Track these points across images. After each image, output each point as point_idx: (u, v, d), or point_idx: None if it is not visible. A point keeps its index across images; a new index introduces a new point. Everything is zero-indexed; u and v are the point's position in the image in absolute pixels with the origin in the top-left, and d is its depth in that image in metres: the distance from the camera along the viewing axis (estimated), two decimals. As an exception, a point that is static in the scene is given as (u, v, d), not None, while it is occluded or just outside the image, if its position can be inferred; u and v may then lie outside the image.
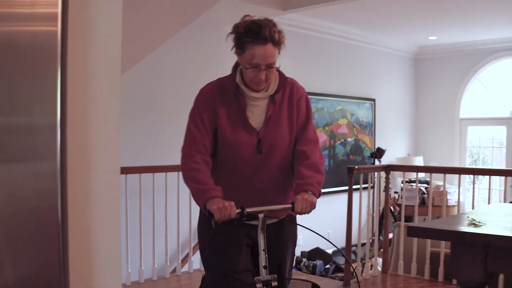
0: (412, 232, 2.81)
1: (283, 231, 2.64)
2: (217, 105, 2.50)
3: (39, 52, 1.84)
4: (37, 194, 1.87)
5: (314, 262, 7.07)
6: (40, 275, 1.85)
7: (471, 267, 2.54)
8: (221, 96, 2.51)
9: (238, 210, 2.28)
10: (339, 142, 8.21)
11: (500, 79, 9.08)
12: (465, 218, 2.85)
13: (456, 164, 9.05)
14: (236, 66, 2.57)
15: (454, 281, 4.73)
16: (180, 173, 2.64)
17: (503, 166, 9.14)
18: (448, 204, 7.76)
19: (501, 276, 4.49)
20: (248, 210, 2.31)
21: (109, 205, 2.22)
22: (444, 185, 5.03)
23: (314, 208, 2.39)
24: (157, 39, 5.31)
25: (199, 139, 2.45)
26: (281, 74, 2.57)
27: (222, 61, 4.42)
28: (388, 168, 5.46)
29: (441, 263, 4.88)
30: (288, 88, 2.58)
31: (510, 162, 9.03)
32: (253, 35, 2.36)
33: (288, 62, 6.59)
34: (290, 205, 2.37)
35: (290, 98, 2.57)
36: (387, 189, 5.54)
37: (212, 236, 2.48)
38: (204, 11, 5.36)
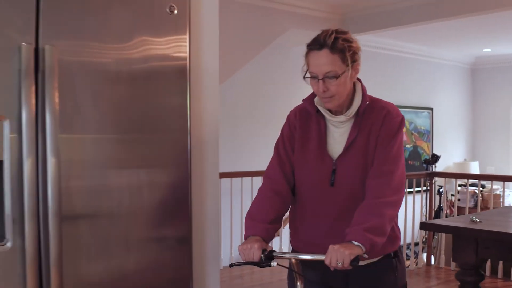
0: (423, 226, 3.85)
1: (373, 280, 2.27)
2: (298, 130, 2.30)
3: (176, 80, 2.30)
4: (173, 194, 2.34)
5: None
6: (173, 254, 2.36)
7: (466, 254, 3.53)
8: (305, 120, 2.30)
9: (265, 253, 2.08)
10: (397, 148, 9.13)
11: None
12: (468, 218, 3.80)
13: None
14: None
15: (487, 272, 5.70)
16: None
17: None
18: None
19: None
20: (275, 254, 2.10)
21: (212, 202, 2.58)
22: (491, 188, 5.93)
23: (356, 262, 1.97)
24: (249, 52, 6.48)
25: (277, 166, 2.29)
26: (364, 94, 2.25)
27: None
28: (433, 175, 6.41)
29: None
30: (376, 111, 2.24)
31: None
32: (311, 42, 2.14)
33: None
34: (322, 257, 2.02)
35: (375, 123, 2.22)
36: (430, 193, 6.49)
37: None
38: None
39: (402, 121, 2.24)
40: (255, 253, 2.06)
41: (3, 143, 1.79)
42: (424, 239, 6.84)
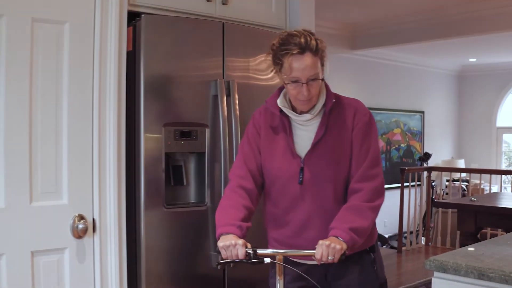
0: (436, 204, 5.20)
1: (352, 278, 2.29)
2: (263, 128, 2.32)
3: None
4: None
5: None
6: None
7: (467, 223, 4.84)
8: (269, 119, 2.32)
9: (250, 250, 2.03)
10: (394, 147, 10.42)
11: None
12: (468, 199, 5.15)
13: (493, 166, 11.13)
14: (281, 88, 2.33)
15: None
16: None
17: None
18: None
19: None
20: (260, 251, 2.05)
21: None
22: (480, 183, 7.27)
23: (343, 256, 2.03)
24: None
25: (243, 164, 2.30)
26: (328, 92, 2.26)
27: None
28: (430, 169, 7.71)
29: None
30: (345, 109, 2.26)
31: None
32: (288, 45, 2.10)
33: (356, 87, 8.93)
34: (313, 252, 2.04)
35: (345, 122, 2.24)
36: (428, 184, 7.78)
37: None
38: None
39: (371, 117, 2.28)
40: (240, 250, 2.02)
41: (205, 141, 2.94)
42: (423, 224, 8.14)
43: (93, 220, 2.62)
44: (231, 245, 2.03)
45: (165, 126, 2.77)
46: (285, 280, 2.10)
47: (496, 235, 6.95)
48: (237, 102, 2.96)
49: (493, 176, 8.84)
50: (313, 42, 2.12)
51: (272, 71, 2.25)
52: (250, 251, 2.03)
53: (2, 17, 2.36)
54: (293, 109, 2.28)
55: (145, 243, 2.72)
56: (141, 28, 2.70)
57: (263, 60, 3.10)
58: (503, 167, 11.53)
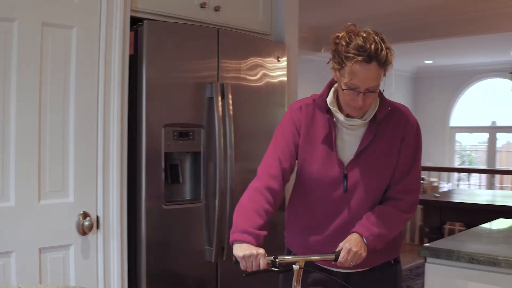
0: None
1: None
2: (304, 126, 2.15)
3: (276, 94, 3.44)
4: None
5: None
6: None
7: (433, 218, 5.12)
8: (310, 117, 2.15)
9: (270, 258, 1.93)
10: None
11: (483, 95, 11.61)
12: (432, 195, 5.44)
13: (446, 164, 11.57)
14: (331, 84, 2.18)
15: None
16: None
17: (485, 166, 11.71)
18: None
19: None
20: (281, 258, 1.95)
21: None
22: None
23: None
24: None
25: (277, 162, 2.11)
26: (382, 98, 2.12)
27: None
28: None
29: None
30: (395, 117, 2.13)
31: (491, 163, 11.58)
32: (356, 48, 1.94)
33: (319, 88, 9.14)
34: (333, 256, 2.00)
35: (395, 131, 2.12)
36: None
37: None
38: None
39: (419, 127, 2.19)
40: (262, 261, 1.91)
41: (201, 141, 3.07)
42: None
43: (97, 217, 2.73)
44: (252, 256, 1.91)
45: (165, 127, 2.90)
46: (303, 286, 1.99)
47: (454, 230, 7.32)
48: (231, 103, 3.11)
49: (446, 173, 9.24)
50: (383, 53, 1.96)
51: (328, 63, 2.11)
52: (271, 258, 1.94)
53: (14, 21, 2.45)
54: (339, 109, 2.14)
55: (145, 239, 2.84)
56: (143, 33, 2.81)
57: (253, 63, 3.30)
58: (456, 165, 11.99)
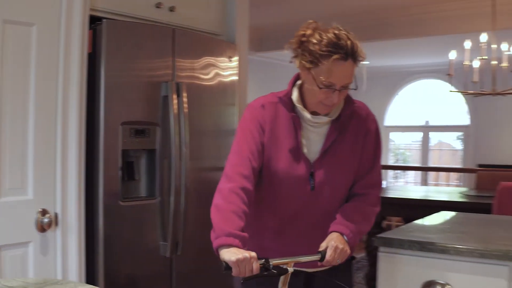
0: None
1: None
2: (268, 124, 2.10)
3: (227, 93, 3.55)
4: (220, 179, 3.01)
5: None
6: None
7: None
8: (274, 114, 2.11)
9: (261, 262, 1.86)
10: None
11: (417, 95, 12.05)
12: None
13: (382, 162, 11.91)
14: (294, 81, 2.16)
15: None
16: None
17: (418, 164, 12.15)
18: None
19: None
20: (274, 261, 1.88)
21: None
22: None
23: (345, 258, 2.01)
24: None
25: (248, 161, 2.05)
26: (347, 96, 2.11)
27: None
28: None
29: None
30: (356, 114, 2.16)
31: (424, 161, 12.03)
32: (332, 46, 1.93)
33: (257, 87, 9.28)
34: (319, 255, 1.98)
35: (358, 128, 2.15)
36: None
37: None
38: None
39: (377, 122, 2.24)
40: (255, 264, 1.84)
41: (155, 139, 3.14)
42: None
43: (56, 214, 2.75)
44: (245, 260, 1.82)
45: (122, 124, 2.95)
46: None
47: (391, 226, 7.60)
48: (185, 101, 3.19)
49: (382, 171, 9.53)
50: (359, 49, 1.98)
51: (291, 61, 2.10)
52: (261, 261, 1.87)
53: (-25, 18, 2.46)
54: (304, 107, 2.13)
55: (103, 235, 2.89)
56: (102, 31, 2.85)
57: (206, 63, 3.40)
58: (390, 163, 12.40)
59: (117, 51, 2.92)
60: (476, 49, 5.91)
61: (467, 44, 5.84)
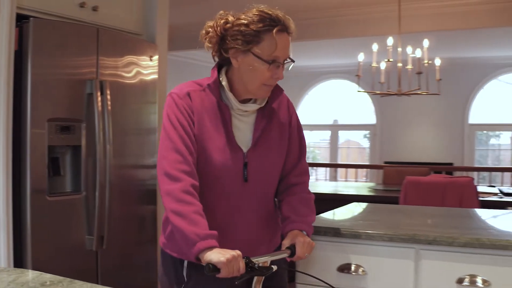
0: None
1: (280, 280, 2.15)
2: (196, 114, 1.97)
3: (149, 91, 3.68)
4: (141, 176, 3.64)
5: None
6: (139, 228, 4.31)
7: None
8: (200, 103, 1.99)
9: (245, 261, 1.76)
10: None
11: (325, 95, 12.50)
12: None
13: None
14: (217, 68, 2.05)
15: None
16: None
17: (327, 162, 12.61)
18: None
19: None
20: (255, 260, 1.80)
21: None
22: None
23: None
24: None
25: (187, 156, 1.91)
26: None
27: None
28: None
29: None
30: (280, 102, 2.11)
31: (333, 158, 12.50)
32: (269, 20, 1.88)
33: (171, 87, 9.38)
34: (289, 251, 1.96)
35: (284, 115, 2.11)
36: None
37: None
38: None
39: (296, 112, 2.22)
40: (241, 263, 1.75)
41: (80, 135, 3.23)
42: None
43: (-17, 210, 2.80)
44: (233, 259, 1.73)
45: (48, 121, 3.02)
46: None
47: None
48: (109, 99, 3.29)
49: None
50: (291, 23, 1.94)
51: (212, 55, 2.05)
52: (246, 260, 1.77)
53: None
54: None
55: (30, 230, 2.95)
56: (29, 29, 2.92)
57: (128, 61, 3.52)
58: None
59: (43, 49, 2.99)
60: (383, 51, 6.26)
61: (375, 46, 6.19)
